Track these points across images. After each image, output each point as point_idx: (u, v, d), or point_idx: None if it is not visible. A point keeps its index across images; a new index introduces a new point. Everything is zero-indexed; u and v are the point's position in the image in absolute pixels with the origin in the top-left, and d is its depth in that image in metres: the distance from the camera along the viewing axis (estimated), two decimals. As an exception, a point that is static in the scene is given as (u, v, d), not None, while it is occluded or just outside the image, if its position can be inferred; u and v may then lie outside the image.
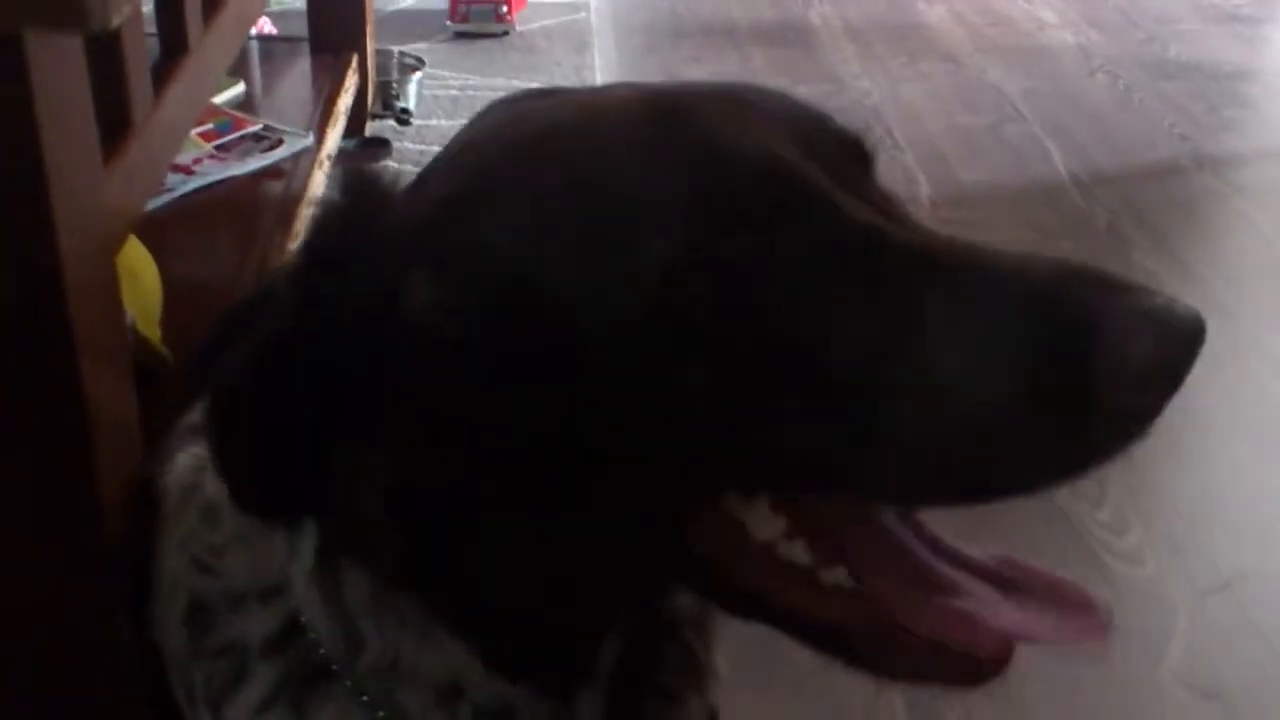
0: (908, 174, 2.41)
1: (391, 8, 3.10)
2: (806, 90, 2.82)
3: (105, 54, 0.80)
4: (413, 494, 0.64)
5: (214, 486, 0.74)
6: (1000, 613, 0.64)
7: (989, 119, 2.68)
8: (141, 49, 0.87)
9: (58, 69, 0.70)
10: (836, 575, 0.64)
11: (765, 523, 0.63)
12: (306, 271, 0.63)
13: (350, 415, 0.63)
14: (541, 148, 0.61)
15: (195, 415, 0.83)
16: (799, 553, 0.64)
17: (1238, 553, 1.49)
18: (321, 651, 0.71)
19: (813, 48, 3.05)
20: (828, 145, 0.63)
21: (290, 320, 0.63)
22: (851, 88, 2.81)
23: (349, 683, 0.70)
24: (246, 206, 1.57)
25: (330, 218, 0.64)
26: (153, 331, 1.16)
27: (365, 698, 0.70)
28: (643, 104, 0.62)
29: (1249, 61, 3.14)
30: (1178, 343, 0.54)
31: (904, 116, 2.66)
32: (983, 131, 2.62)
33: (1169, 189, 2.41)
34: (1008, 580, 0.66)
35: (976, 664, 0.63)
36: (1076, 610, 0.65)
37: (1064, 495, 1.57)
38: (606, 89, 0.70)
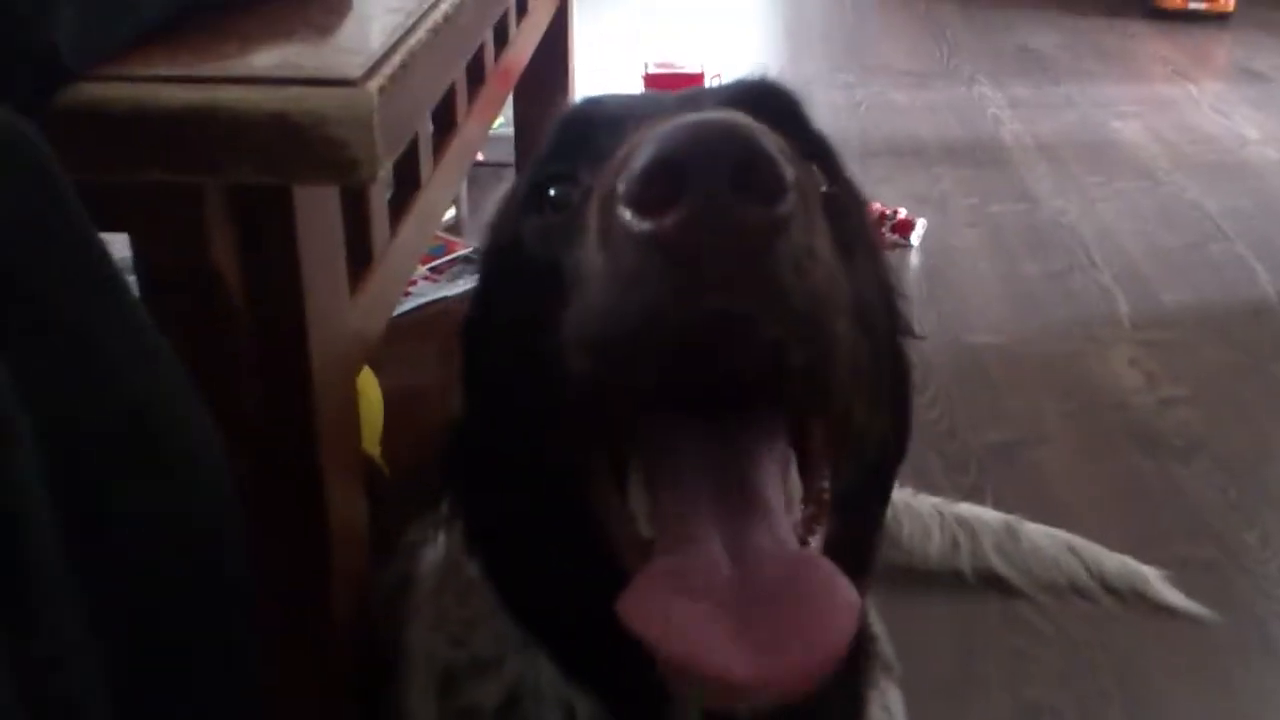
0: (1105, 293, 2.36)
1: (588, 132, 3.23)
2: (999, 209, 2.81)
3: (353, 194, 0.86)
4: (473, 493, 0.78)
5: (469, 569, 0.82)
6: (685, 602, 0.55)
7: (1190, 238, 2.62)
8: (383, 189, 0.94)
9: (317, 211, 0.77)
10: None
11: (643, 509, 0.63)
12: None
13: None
14: None
15: (440, 511, 0.93)
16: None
17: None
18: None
19: (1004, 165, 3.04)
20: (700, 100, 0.72)
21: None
22: (1046, 206, 2.78)
23: None
24: (457, 325, 1.63)
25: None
26: (374, 448, 1.23)
27: None
28: None
29: None
30: (652, 147, 0.50)
31: (1101, 235, 2.62)
32: (1183, 250, 2.56)
33: (1386, 310, 2.31)
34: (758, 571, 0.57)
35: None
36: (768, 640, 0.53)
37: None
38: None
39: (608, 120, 0.70)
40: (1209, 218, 2.72)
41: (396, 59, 0.72)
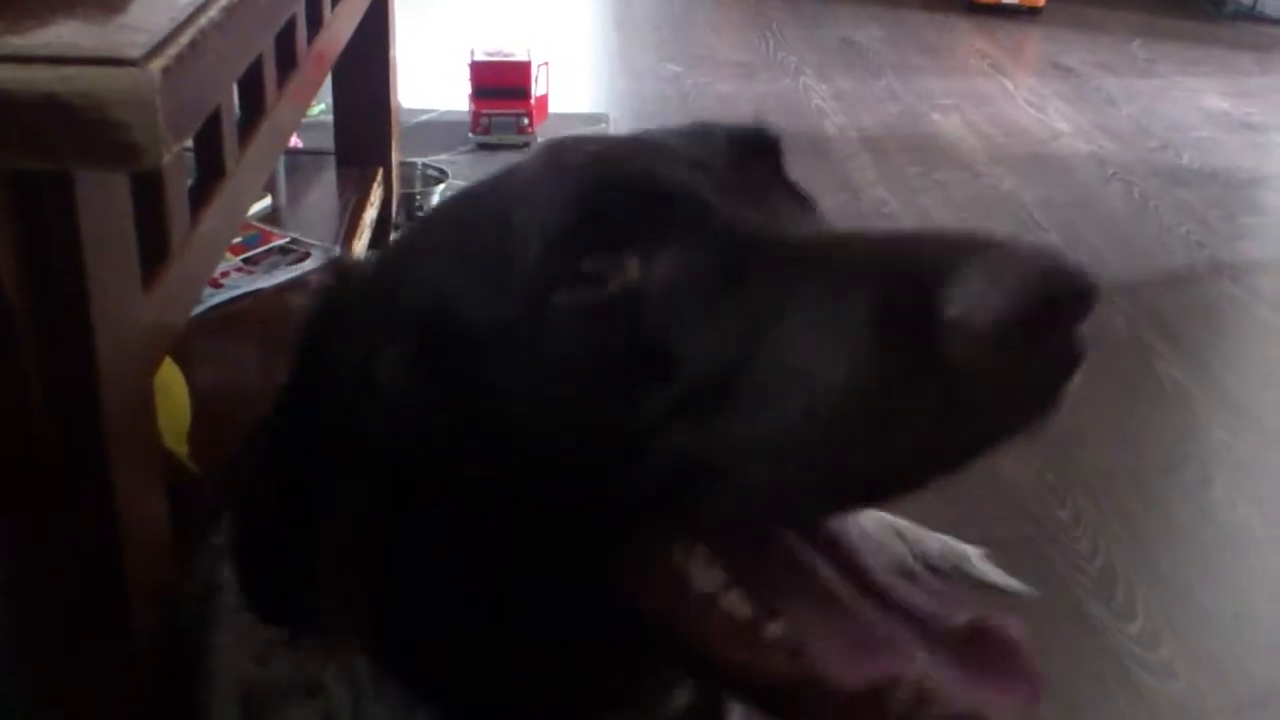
0: (926, 282, 2.42)
1: (415, 120, 3.16)
2: (822, 200, 2.84)
3: (147, 181, 0.81)
4: (370, 561, 0.70)
5: None
6: (913, 660, 0.59)
7: (1006, 228, 2.70)
8: (181, 176, 0.89)
9: (103, 200, 0.72)
10: (777, 629, 0.62)
11: (705, 573, 0.62)
12: (294, 363, 0.71)
13: (328, 495, 0.70)
14: (456, 202, 0.71)
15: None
16: (741, 606, 0.62)
17: (1274, 667, 1.47)
18: None
19: (827, 157, 3.08)
20: (719, 153, 0.67)
21: (278, 416, 0.72)
22: (868, 196, 2.84)
23: None
24: (273, 319, 1.58)
25: (311, 309, 0.72)
26: (179, 447, 1.17)
27: None
28: (541, 150, 0.68)
29: (1262, 168, 3.17)
30: (1030, 283, 0.50)
31: (921, 225, 2.68)
32: (1000, 239, 2.64)
33: (1188, 296, 2.42)
34: (931, 625, 0.62)
35: None
36: (995, 665, 0.60)
37: (1093, 607, 1.55)
38: None
39: (660, 183, 0.62)
40: (1024, 208, 2.82)
41: (185, 37, 0.67)
